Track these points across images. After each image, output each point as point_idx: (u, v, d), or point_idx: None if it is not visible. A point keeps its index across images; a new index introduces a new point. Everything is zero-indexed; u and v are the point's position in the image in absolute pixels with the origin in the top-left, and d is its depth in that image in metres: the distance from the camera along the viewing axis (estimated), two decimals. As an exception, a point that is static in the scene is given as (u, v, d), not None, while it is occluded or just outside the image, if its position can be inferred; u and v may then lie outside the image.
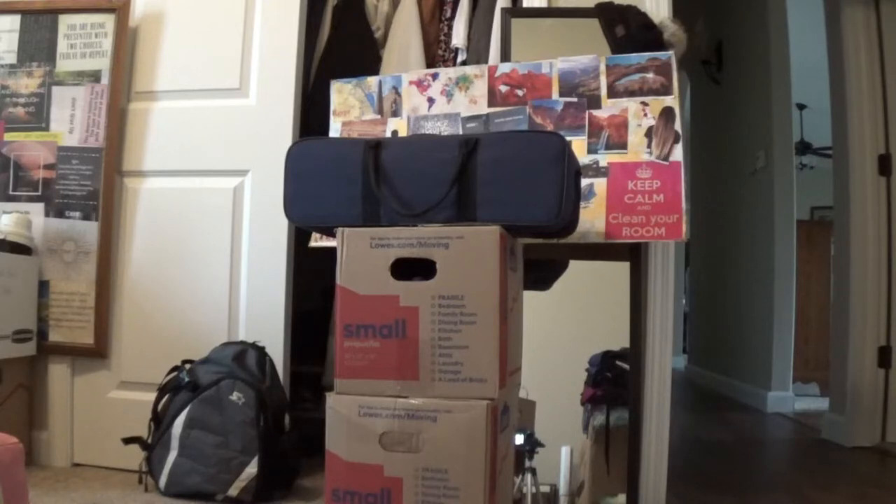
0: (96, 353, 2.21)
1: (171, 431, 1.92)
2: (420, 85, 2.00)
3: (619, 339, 1.88)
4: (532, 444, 1.76)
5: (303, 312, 2.36)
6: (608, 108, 1.83)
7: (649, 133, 1.79)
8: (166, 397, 1.98)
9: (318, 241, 1.98)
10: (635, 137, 1.79)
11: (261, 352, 2.03)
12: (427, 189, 1.26)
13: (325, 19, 2.50)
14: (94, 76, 2.27)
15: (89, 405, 2.23)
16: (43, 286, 2.23)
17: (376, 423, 1.19)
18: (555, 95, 1.88)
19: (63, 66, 2.29)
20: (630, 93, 1.82)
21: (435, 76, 2.00)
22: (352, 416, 1.20)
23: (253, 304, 2.17)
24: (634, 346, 1.87)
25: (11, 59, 2.31)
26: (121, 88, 2.27)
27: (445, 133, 1.95)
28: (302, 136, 2.25)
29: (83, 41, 2.29)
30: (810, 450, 2.93)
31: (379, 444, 1.18)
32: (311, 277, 2.29)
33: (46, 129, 2.28)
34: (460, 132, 1.94)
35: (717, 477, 2.42)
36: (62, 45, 2.29)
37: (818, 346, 4.02)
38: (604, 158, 1.80)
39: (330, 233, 1.35)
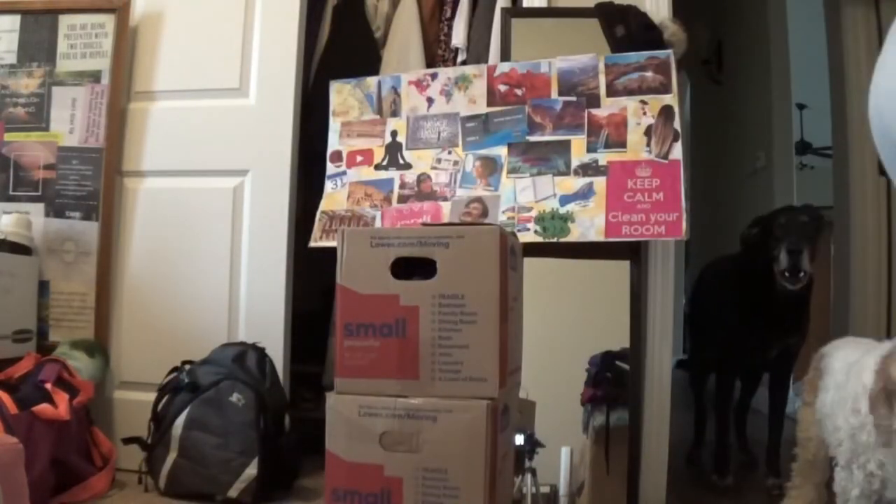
0: (96, 353, 2.21)
1: (171, 432, 1.92)
2: (419, 85, 2.00)
3: (619, 339, 1.88)
4: (532, 444, 1.76)
5: (303, 312, 2.36)
6: (607, 107, 1.83)
7: (648, 131, 1.79)
8: (166, 398, 1.98)
9: (318, 241, 1.98)
10: (635, 136, 1.79)
11: (261, 353, 2.03)
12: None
13: (325, 19, 2.50)
14: (95, 76, 2.27)
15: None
16: (43, 286, 2.23)
17: (376, 423, 1.18)
18: (554, 94, 1.88)
19: (63, 66, 2.29)
20: (629, 91, 1.82)
21: (434, 76, 2.00)
22: (352, 416, 1.20)
23: (253, 304, 2.17)
24: (634, 346, 1.87)
25: (11, 59, 2.31)
26: (121, 88, 2.27)
27: (444, 133, 1.95)
28: (302, 137, 2.25)
29: (83, 41, 2.29)
30: (810, 450, 2.92)
31: (379, 444, 1.18)
32: (311, 277, 2.28)
33: (46, 129, 2.28)
34: (459, 132, 1.94)
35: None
36: (62, 46, 2.29)
37: (818, 346, 4.01)
38: (603, 157, 1.80)
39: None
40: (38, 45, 2.30)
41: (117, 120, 2.26)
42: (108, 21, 2.27)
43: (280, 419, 2.00)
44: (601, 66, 1.85)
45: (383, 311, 1.20)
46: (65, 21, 2.30)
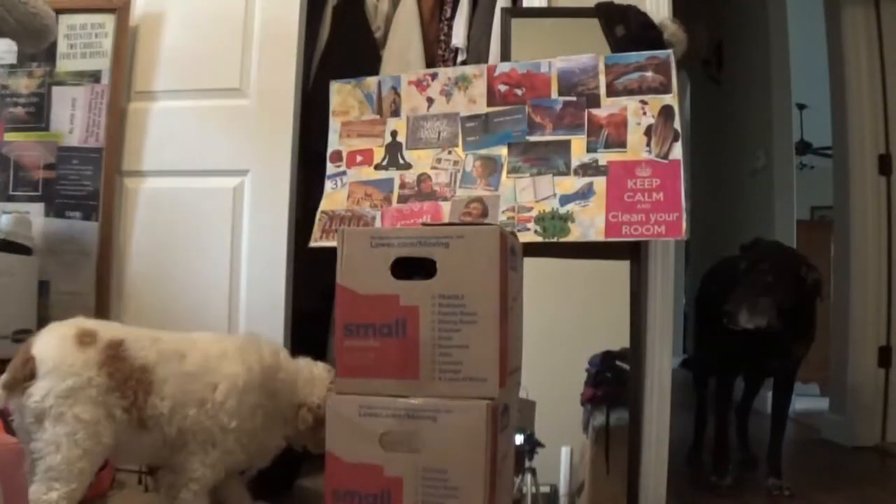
0: (96, 353, 2.20)
1: (171, 432, 1.91)
2: (419, 85, 2.00)
3: (619, 339, 1.88)
4: (532, 444, 1.76)
5: (303, 312, 2.36)
6: (607, 107, 1.83)
7: (648, 131, 1.79)
8: (166, 397, 1.97)
9: (318, 241, 1.98)
10: (635, 136, 1.79)
11: (261, 352, 2.03)
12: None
13: (325, 19, 2.49)
14: (95, 76, 2.27)
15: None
16: (43, 286, 2.23)
17: (376, 423, 1.18)
18: (554, 94, 1.88)
19: (63, 66, 2.29)
20: (629, 91, 1.82)
21: (434, 76, 2.00)
22: (352, 416, 1.20)
23: (253, 303, 2.17)
24: (634, 346, 1.87)
25: (11, 59, 2.31)
26: (121, 88, 2.27)
27: (444, 133, 1.95)
28: (302, 137, 2.25)
29: (83, 41, 2.29)
30: (810, 450, 2.93)
31: (379, 444, 1.18)
32: (311, 277, 2.28)
33: (46, 129, 2.28)
34: (459, 132, 1.94)
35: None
36: (62, 46, 2.29)
37: (818, 346, 4.01)
38: (603, 157, 1.80)
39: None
40: (38, 45, 2.30)
41: (117, 120, 2.26)
42: (108, 21, 2.27)
43: (280, 419, 2.00)
44: (601, 66, 1.85)
45: (383, 311, 1.20)
46: (65, 21, 2.29)
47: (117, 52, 2.26)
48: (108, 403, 1.37)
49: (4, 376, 1.39)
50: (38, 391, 1.34)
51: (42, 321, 2.22)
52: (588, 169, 1.80)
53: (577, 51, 1.89)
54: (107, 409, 1.37)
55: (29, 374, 1.36)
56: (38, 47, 2.01)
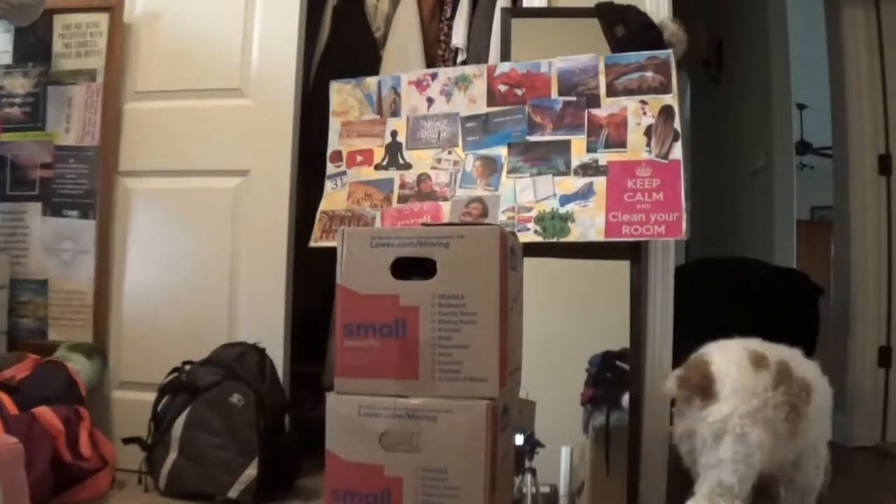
0: (95, 353, 2.20)
1: (171, 432, 1.91)
2: (419, 85, 2.00)
3: (619, 339, 1.88)
4: (532, 444, 1.76)
5: (303, 312, 2.36)
6: (607, 107, 1.83)
7: (649, 131, 1.79)
8: (166, 398, 1.97)
9: (318, 241, 1.98)
10: (635, 136, 1.79)
11: (261, 353, 2.03)
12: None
13: (325, 19, 2.49)
14: (90, 75, 2.27)
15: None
16: (42, 285, 2.23)
17: (376, 423, 1.18)
18: (554, 94, 1.88)
19: (59, 65, 2.29)
20: (629, 91, 1.82)
21: (434, 76, 2.00)
22: (352, 416, 1.20)
23: (253, 304, 2.17)
24: (634, 346, 1.87)
25: (7, 59, 2.31)
26: (116, 87, 2.26)
27: (444, 133, 1.95)
28: (302, 137, 2.25)
29: (78, 40, 2.29)
30: (810, 450, 2.92)
31: (379, 444, 1.18)
32: (311, 277, 2.28)
33: (43, 128, 2.28)
34: (459, 132, 1.94)
35: (717, 477, 2.41)
36: (57, 45, 2.29)
37: (818, 346, 4.01)
38: (603, 157, 1.80)
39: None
40: (33, 45, 2.30)
41: (112, 118, 2.25)
42: (103, 20, 2.27)
43: (280, 419, 2.00)
44: (601, 66, 1.85)
45: (383, 311, 1.20)
46: (59, 21, 2.29)
47: (111, 51, 2.25)
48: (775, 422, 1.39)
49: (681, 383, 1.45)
50: (721, 410, 1.38)
51: (41, 320, 2.22)
52: (588, 169, 1.80)
53: (577, 51, 1.88)
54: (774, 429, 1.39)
55: (710, 392, 1.39)
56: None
